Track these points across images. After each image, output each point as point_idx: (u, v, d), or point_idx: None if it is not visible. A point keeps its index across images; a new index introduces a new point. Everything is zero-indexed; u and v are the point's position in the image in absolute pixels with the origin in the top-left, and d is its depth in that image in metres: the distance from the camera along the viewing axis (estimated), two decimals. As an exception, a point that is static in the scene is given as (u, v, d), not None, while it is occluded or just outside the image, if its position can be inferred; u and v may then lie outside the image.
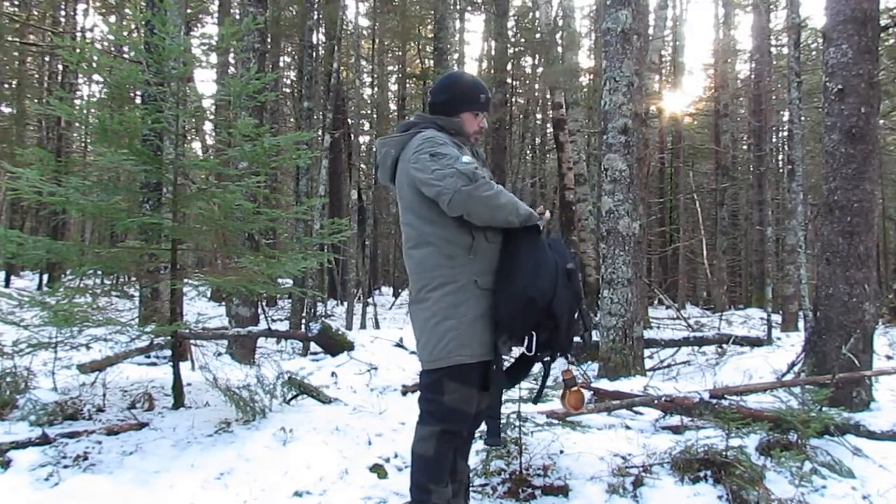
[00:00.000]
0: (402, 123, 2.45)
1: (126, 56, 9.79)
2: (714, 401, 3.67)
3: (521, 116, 19.70)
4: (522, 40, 14.93)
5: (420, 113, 2.51)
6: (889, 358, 6.58)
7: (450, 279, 2.17)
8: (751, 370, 5.66)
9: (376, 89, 18.25)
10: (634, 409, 3.99)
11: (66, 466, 2.95)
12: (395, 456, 3.28)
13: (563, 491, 2.83)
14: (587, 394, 4.24)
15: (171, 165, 3.85)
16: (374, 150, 2.54)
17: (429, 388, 2.26)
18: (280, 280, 5.72)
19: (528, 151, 19.97)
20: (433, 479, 2.23)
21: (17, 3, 15.44)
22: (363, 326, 11.24)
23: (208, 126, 12.87)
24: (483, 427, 2.30)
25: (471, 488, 2.85)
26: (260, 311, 7.98)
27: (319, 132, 12.18)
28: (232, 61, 14.02)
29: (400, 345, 6.21)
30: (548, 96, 14.31)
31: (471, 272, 2.18)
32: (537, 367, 2.37)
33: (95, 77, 14.19)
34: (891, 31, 10.12)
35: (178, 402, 3.88)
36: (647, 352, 6.38)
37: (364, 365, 5.52)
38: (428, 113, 2.42)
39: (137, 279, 4.81)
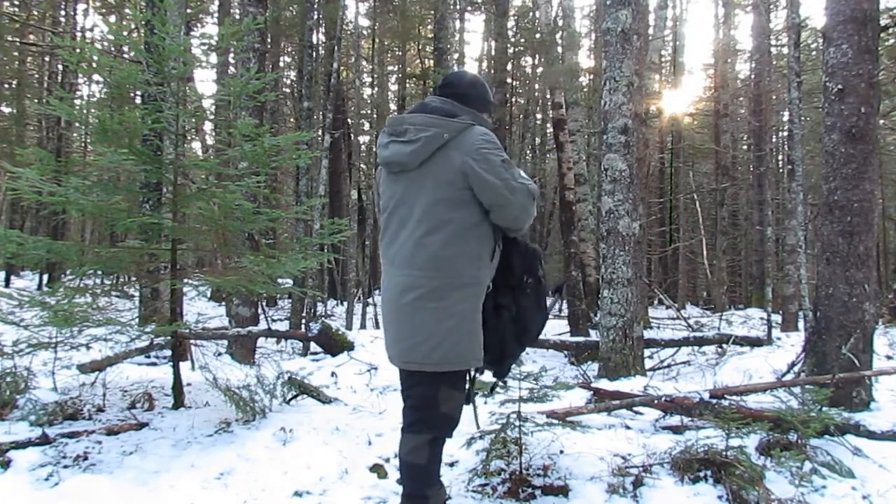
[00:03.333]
0: (438, 107, 2.20)
1: (126, 56, 9.81)
2: (714, 401, 3.67)
3: (521, 116, 19.70)
4: (522, 40, 14.92)
5: (450, 101, 2.25)
6: (889, 358, 6.58)
7: (475, 281, 2.14)
8: (751, 370, 5.66)
9: (376, 89, 18.22)
10: (634, 409, 3.99)
11: (66, 466, 2.95)
12: (395, 456, 3.27)
13: (563, 491, 2.82)
14: (587, 394, 4.24)
15: (171, 165, 3.85)
16: (394, 126, 2.21)
17: (425, 396, 2.19)
18: (280, 280, 5.72)
19: (528, 151, 19.97)
20: (428, 485, 2.23)
21: (17, 3, 15.44)
22: (363, 326, 11.25)
23: (208, 126, 12.92)
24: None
25: (471, 488, 2.86)
26: (260, 311, 7.99)
27: (319, 132, 12.19)
28: (232, 61, 14.02)
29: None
30: (548, 96, 14.30)
31: (488, 277, 2.19)
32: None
33: (95, 77, 14.21)
34: (891, 31, 10.12)
35: (178, 402, 3.88)
36: (647, 352, 6.38)
37: (364, 365, 5.53)
38: (454, 101, 2.27)
39: (137, 279, 4.81)
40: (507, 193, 2.09)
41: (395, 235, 2.21)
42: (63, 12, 17.78)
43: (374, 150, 17.20)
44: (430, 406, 2.18)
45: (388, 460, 3.21)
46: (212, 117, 8.85)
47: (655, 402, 3.83)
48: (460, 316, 2.11)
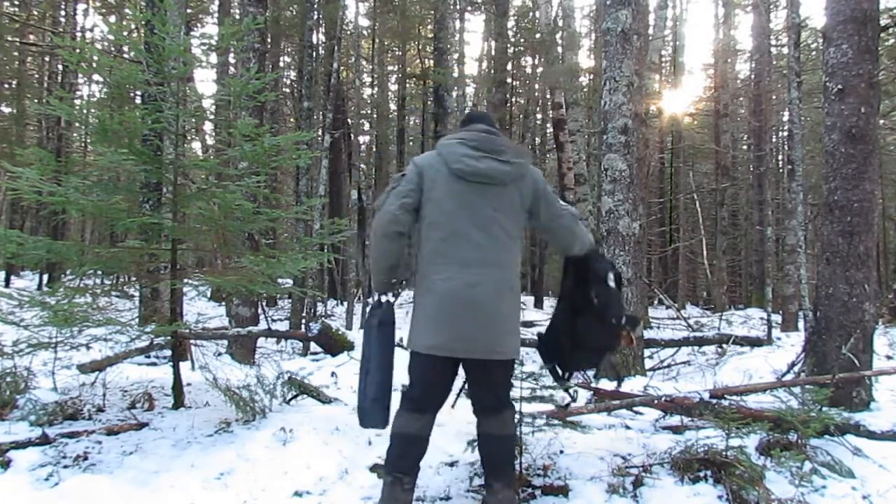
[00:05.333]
0: (508, 144, 2.61)
1: (126, 56, 9.81)
2: (714, 401, 3.66)
3: (521, 116, 19.69)
4: (522, 40, 14.94)
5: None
6: (889, 358, 6.58)
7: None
8: (751, 370, 5.67)
9: (376, 89, 18.21)
10: (634, 409, 3.99)
11: (66, 466, 2.95)
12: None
13: (563, 491, 2.82)
14: (587, 394, 4.24)
15: (171, 165, 3.85)
16: (486, 143, 2.57)
17: (506, 380, 2.61)
18: (280, 280, 5.71)
19: (528, 151, 19.88)
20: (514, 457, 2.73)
21: (17, 3, 15.44)
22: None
23: (208, 126, 12.90)
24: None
25: (471, 488, 2.86)
26: (260, 311, 7.99)
27: (319, 132, 12.19)
28: (232, 61, 14.02)
29: (399, 345, 6.20)
30: (548, 96, 14.30)
31: None
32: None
33: (95, 77, 14.20)
34: (891, 31, 10.13)
35: (178, 402, 3.88)
36: (647, 352, 6.37)
37: (364, 365, 5.51)
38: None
39: (137, 279, 4.81)
40: (563, 217, 2.64)
41: (470, 236, 2.44)
42: (63, 12, 17.78)
43: (374, 149, 17.18)
44: (507, 388, 2.63)
45: (388, 460, 3.20)
46: (212, 117, 8.85)
47: (655, 402, 3.82)
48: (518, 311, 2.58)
